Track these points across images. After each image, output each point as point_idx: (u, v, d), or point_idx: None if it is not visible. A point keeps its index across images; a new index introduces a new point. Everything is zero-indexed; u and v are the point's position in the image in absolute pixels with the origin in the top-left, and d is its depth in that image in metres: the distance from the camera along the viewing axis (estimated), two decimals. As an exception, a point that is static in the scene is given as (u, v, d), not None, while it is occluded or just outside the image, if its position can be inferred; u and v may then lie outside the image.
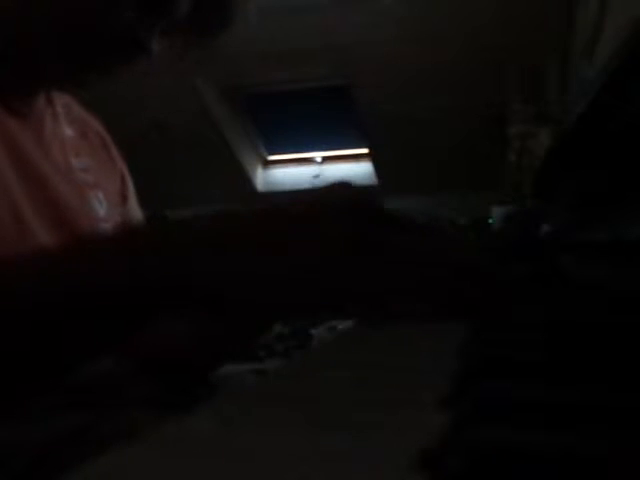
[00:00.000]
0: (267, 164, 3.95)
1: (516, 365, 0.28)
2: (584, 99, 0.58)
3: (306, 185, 3.75)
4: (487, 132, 2.74)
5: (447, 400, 0.22)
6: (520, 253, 1.02)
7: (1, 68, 0.56)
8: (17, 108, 0.58)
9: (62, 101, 0.68)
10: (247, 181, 3.76)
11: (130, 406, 0.58)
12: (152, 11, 0.55)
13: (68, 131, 0.67)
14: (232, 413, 0.22)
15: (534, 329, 0.39)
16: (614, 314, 0.43)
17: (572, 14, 1.66)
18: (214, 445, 0.18)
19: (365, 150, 3.63)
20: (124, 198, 0.73)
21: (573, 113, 0.64)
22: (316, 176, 3.81)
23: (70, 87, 0.62)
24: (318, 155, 3.84)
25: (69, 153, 0.65)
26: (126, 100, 2.71)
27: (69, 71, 0.58)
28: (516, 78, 2.41)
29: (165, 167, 3.32)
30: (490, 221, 1.96)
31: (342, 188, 0.42)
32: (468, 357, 0.30)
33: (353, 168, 3.79)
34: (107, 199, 0.68)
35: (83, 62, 0.57)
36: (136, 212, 0.76)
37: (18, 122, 0.58)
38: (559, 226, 0.85)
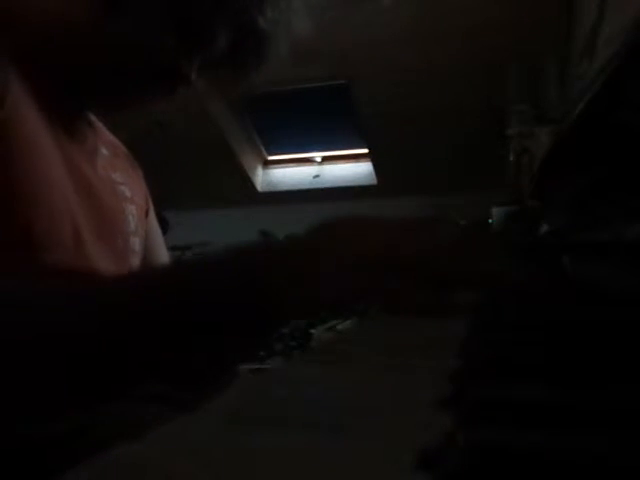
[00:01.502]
0: (267, 164, 3.94)
1: (516, 365, 0.28)
2: (584, 99, 0.58)
3: (306, 185, 3.75)
4: (487, 132, 2.74)
5: (447, 400, 0.22)
6: (520, 253, 1.02)
7: (55, 98, 0.59)
8: (69, 128, 0.62)
9: (97, 125, 0.72)
10: (247, 181, 3.76)
11: (133, 404, 0.58)
12: (192, 44, 0.59)
13: (104, 150, 0.70)
14: (232, 413, 0.22)
15: (534, 329, 0.39)
16: (614, 314, 0.43)
17: (572, 14, 1.66)
18: (214, 445, 0.18)
19: (365, 150, 3.63)
20: (146, 215, 0.77)
21: (573, 113, 0.64)
22: (316, 176, 3.81)
23: (113, 113, 0.66)
24: (318, 155, 3.84)
25: (108, 168, 0.68)
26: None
27: (114, 99, 0.63)
28: (516, 78, 2.41)
29: (165, 167, 3.32)
30: (490, 221, 1.96)
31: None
32: (468, 357, 0.30)
33: (353, 168, 3.79)
34: (137, 213, 0.71)
35: (126, 91, 0.61)
36: (156, 229, 0.80)
37: (70, 141, 0.62)
38: (559, 226, 0.85)
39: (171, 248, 3.26)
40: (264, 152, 3.88)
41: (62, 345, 0.40)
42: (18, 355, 0.39)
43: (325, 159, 3.84)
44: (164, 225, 3.32)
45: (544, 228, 0.97)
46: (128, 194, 0.71)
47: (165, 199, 2.93)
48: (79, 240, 0.57)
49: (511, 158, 2.12)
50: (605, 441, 0.18)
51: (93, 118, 0.71)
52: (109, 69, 0.59)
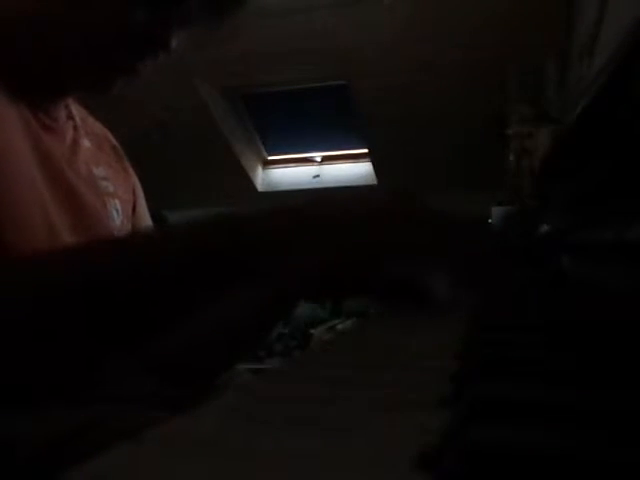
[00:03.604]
0: (267, 164, 3.94)
1: (516, 365, 0.28)
2: (584, 99, 0.58)
3: (306, 185, 3.75)
4: (487, 132, 2.74)
5: (447, 400, 0.22)
6: (520, 253, 1.02)
7: (27, 80, 0.57)
8: (45, 121, 0.59)
9: (80, 114, 0.70)
10: (247, 181, 3.76)
11: (132, 404, 0.58)
12: (167, 7, 0.56)
13: (86, 142, 0.68)
14: (232, 413, 0.22)
15: (534, 329, 0.39)
16: (614, 314, 0.43)
17: (572, 14, 1.66)
18: (214, 445, 0.18)
19: (365, 150, 3.63)
20: (133, 208, 0.75)
21: (573, 113, 0.64)
22: (316, 176, 3.80)
23: (95, 92, 0.63)
24: (318, 155, 3.84)
25: (90, 163, 0.66)
26: (126, 100, 2.71)
27: (92, 76, 0.60)
28: (516, 78, 2.41)
29: (165, 167, 3.32)
30: (490, 221, 1.96)
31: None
32: (468, 357, 0.30)
33: (353, 168, 3.79)
34: (122, 208, 0.69)
35: (104, 65, 0.58)
36: (147, 222, 0.78)
37: (46, 133, 0.59)
38: (559, 226, 0.85)
39: (171, 248, 3.25)
40: (264, 152, 3.88)
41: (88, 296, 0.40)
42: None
43: (325, 159, 3.84)
44: (164, 225, 3.31)
45: (544, 228, 0.97)
46: (111, 189, 0.68)
47: (165, 199, 2.94)
48: (55, 239, 0.56)
49: (511, 158, 2.12)
50: (605, 441, 0.18)
51: (76, 109, 0.70)
52: (82, 46, 0.56)
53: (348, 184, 3.71)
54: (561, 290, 0.68)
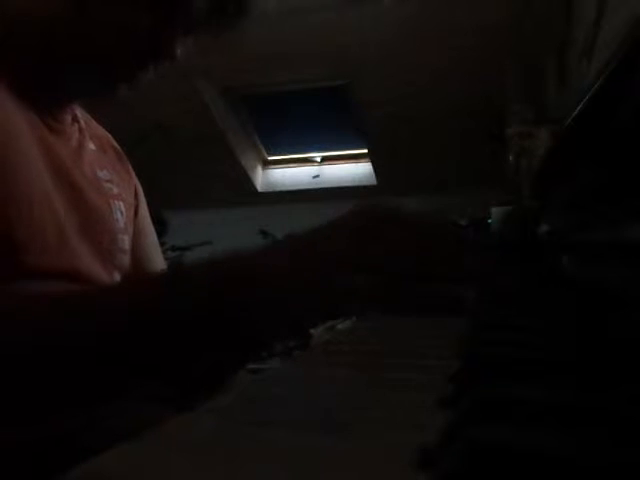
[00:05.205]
0: (267, 164, 3.94)
1: (516, 365, 0.28)
2: (584, 99, 0.58)
3: (306, 185, 3.75)
4: (487, 132, 2.74)
5: (447, 400, 0.22)
6: (520, 253, 1.02)
7: (33, 83, 0.58)
8: (51, 124, 0.61)
9: (83, 118, 0.70)
10: (247, 181, 3.76)
11: (133, 404, 0.58)
12: (171, 15, 0.57)
13: (91, 145, 0.69)
14: (233, 413, 0.22)
15: (534, 329, 0.39)
16: (614, 314, 0.43)
17: (571, 14, 1.66)
18: (214, 445, 0.18)
19: (365, 150, 3.63)
20: (136, 211, 0.75)
21: (573, 113, 0.64)
22: (316, 176, 3.80)
23: (98, 97, 0.64)
24: (318, 155, 3.84)
25: (95, 165, 0.67)
26: (126, 100, 2.70)
27: (95, 82, 0.61)
28: (516, 78, 2.41)
29: (165, 167, 3.32)
30: (489, 221, 1.96)
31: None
32: (468, 357, 0.30)
33: (353, 168, 3.79)
34: (125, 210, 0.70)
35: (108, 71, 0.59)
36: (148, 227, 0.78)
37: (53, 135, 0.60)
38: (559, 226, 0.85)
39: (171, 248, 3.24)
40: (264, 152, 3.88)
41: (63, 356, 0.41)
42: (22, 368, 0.41)
43: (325, 159, 3.84)
44: (164, 225, 3.31)
45: (544, 228, 0.97)
46: (115, 191, 0.69)
47: (165, 199, 2.94)
48: (63, 239, 0.56)
49: (511, 158, 2.12)
50: (605, 441, 0.18)
51: (80, 112, 0.70)
52: (89, 54, 0.57)
53: (348, 184, 3.71)
54: (561, 290, 0.68)
